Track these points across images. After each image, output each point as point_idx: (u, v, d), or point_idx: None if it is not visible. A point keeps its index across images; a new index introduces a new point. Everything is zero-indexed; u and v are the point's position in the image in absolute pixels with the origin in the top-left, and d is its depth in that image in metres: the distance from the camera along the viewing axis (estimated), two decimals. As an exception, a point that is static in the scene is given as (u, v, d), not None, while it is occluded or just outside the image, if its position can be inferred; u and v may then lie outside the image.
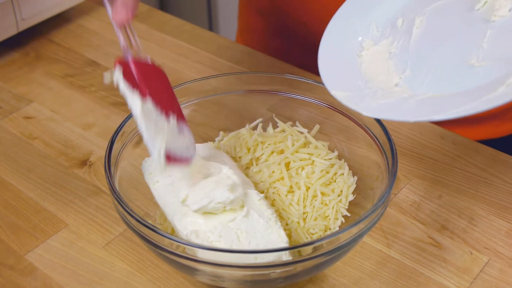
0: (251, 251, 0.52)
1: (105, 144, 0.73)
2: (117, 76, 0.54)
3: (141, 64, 0.57)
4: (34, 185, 0.69)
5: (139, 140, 0.64)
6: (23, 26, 0.89)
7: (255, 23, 0.96)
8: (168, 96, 0.59)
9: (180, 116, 0.58)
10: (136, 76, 0.56)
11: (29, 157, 0.73)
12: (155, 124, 0.55)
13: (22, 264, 0.61)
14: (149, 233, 0.52)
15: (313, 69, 0.86)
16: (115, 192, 0.55)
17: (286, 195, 0.61)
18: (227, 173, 0.57)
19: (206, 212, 0.55)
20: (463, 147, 0.73)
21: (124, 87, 0.54)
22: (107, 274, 0.60)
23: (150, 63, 0.58)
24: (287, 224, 0.60)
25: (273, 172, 0.62)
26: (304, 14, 0.87)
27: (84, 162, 0.72)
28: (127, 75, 0.55)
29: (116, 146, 0.60)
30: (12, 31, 0.88)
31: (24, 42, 0.92)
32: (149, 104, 0.55)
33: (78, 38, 0.93)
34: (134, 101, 0.54)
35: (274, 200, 0.61)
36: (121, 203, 0.54)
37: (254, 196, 0.56)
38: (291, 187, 0.61)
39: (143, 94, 0.55)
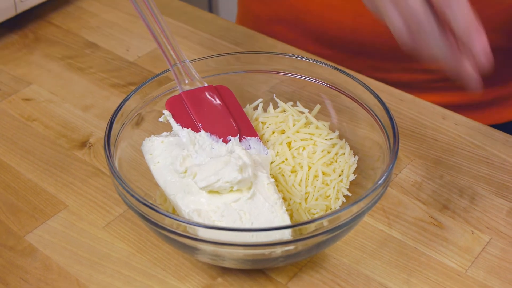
0: (252, 229, 0.52)
1: (104, 125, 0.73)
2: (168, 118, 0.61)
3: (194, 95, 0.62)
4: (33, 166, 0.69)
5: (139, 121, 0.64)
6: (22, 8, 0.89)
7: (255, 9, 0.95)
8: (228, 114, 0.62)
9: (244, 131, 0.62)
10: (189, 110, 0.62)
11: (28, 139, 0.72)
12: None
13: (22, 245, 0.61)
14: (150, 212, 0.52)
15: (316, 55, 0.86)
16: (115, 172, 0.55)
17: (289, 176, 0.61)
18: (239, 153, 0.57)
19: (212, 191, 0.55)
20: (464, 127, 0.72)
21: (175, 126, 0.61)
22: (107, 255, 0.60)
23: (207, 88, 0.63)
24: (289, 205, 0.60)
25: (277, 153, 0.62)
26: (306, 1, 0.87)
27: (83, 144, 0.72)
28: (181, 109, 0.62)
29: (115, 126, 0.60)
30: (10, 13, 0.87)
31: (22, 24, 0.91)
32: (203, 135, 0.60)
33: (77, 20, 0.92)
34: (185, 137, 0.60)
35: (278, 180, 0.60)
36: (121, 183, 0.54)
37: (264, 180, 0.56)
38: (294, 167, 0.61)
39: (196, 129, 0.61)
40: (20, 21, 0.91)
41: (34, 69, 0.83)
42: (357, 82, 0.63)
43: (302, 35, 0.90)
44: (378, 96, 0.61)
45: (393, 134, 0.57)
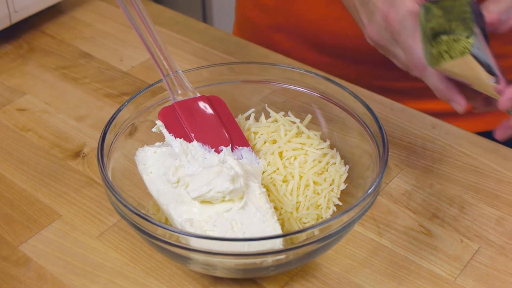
0: (243, 239, 0.53)
1: (98, 135, 0.73)
2: (160, 128, 0.62)
3: (187, 105, 0.63)
4: (28, 177, 0.69)
5: (132, 131, 0.64)
6: (16, 18, 0.89)
7: (253, 17, 0.96)
8: (220, 124, 0.63)
9: (236, 141, 0.63)
10: (182, 120, 0.62)
11: (22, 149, 0.73)
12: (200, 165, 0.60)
13: (16, 255, 0.61)
14: (143, 222, 0.53)
15: (314, 65, 0.87)
16: (108, 182, 0.55)
17: (281, 185, 0.61)
18: (231, 163, 0.58)
19: (204, 201, 0.56)
20: (453, 136, 0.73)
21: (167, 137, 0.62)
22: (101, 264, 0.60)
23: (200, 98, 0.64)
24: (280, 214, 0.60)
25: (269, 162, 0.63)
26: (306, 10, 0.88)
27: (77, 154, 0.72)
28: (174, 119, 0.62)
29: (108, 137, 0.60)
30: (5, 23, 0.88)
31: (17, 35, 0.92)
32: (195, 145, 0.61)
33: (71, 30, 0.93)
34: (177, 146, 0.60)
35: (270, 189, 0.61)
36: (114, 193, 0.54)
37: (256, 189, 0.57)
38: (285, 176, 0.62)
39: (188, 139, 0.62)
40: (15, 31, 0.92)
41: (29, 79, 0.84)
42: (347, 91, 0.63)
43: (300, 42, 0.91)
44: (367, 105, 0.61)
45: (383, 143, 0.58)
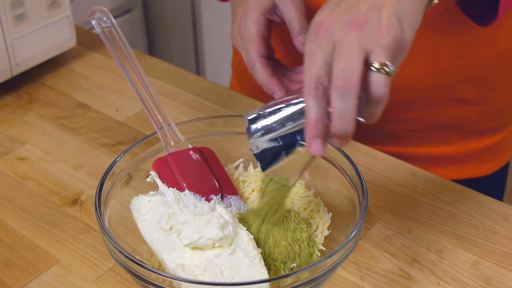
0: (232, 284, 0.56)
1: (95, 183, 0.77)
2: (154, 178, 0.66)
3: (179, 156, 0.67)
4: (27, 223, 0.73)
5: (128, 180, 0.68)
6: (17, 70, 0.94)
7: (245, 64, 1.00)
8: (210, 174, 0.67)
9: (226, 190, 0.67)
10: (174, 171, 0.66)
11: (22, 196, 0.77)
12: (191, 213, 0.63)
13: (16, 299, 0.64)
14: (137, 268, 0.56)
15: None
16: (104, 230, 0.59)
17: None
18: (221, 212, 0.61)
19: (195, 247, 0.59)
20: (432, 183, 0.77)
21: (161, 186, 0.65)
22: (97, 307, 0.64)
23: (191, 149, 0.68)
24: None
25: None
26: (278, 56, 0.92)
27: (75, 201, 0.76)
28: (167, 170, 0.66)
29: (106, 185, 0.64)
30: (6, 76, 0.92)
31: (17, 86, 0.96)
32: (187, 194, 0.64)
33: (69, 81, 0.97)
34: (170, 196, 0.64)
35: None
36: (110, 240, 0.58)
37: (244, 236, 0.60)
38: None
39: (181, 188, 0.65)
40: (15, 83, 0.96)
41: (28, 129, 0.88)
42: (328, 143, 0.67)
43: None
44: (347, 155, 0.65)
45: (362, 191, 0.62)
